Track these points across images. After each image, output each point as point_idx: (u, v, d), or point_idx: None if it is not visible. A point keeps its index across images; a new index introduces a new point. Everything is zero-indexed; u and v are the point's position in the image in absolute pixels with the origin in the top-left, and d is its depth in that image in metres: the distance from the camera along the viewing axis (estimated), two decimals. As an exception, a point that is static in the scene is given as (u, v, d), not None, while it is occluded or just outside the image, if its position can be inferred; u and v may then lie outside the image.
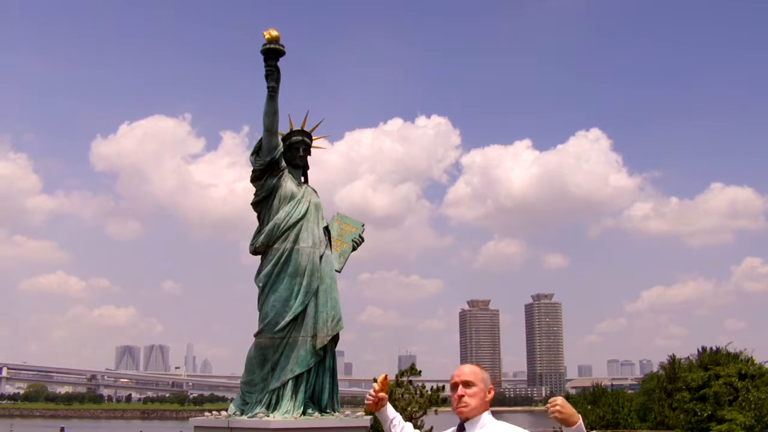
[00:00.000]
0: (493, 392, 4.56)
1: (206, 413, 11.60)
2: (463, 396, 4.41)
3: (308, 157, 11.51)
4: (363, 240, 11.96)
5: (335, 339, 10.80)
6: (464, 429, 4.43)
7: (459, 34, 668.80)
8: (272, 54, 10.63)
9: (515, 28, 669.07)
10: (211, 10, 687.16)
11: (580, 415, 4.34)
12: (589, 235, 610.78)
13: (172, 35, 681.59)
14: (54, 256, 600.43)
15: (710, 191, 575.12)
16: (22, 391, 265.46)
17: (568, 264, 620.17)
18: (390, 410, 5.17)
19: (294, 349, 10.39)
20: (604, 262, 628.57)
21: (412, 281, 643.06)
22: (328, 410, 10.42)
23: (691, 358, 61.26)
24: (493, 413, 4.52)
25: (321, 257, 10.78)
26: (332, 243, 11.37)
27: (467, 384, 4.44)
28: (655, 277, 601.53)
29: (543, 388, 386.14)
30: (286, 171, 11.06)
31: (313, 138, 11.46)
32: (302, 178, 11.41)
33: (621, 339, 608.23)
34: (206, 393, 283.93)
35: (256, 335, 10.67)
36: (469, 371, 4.52)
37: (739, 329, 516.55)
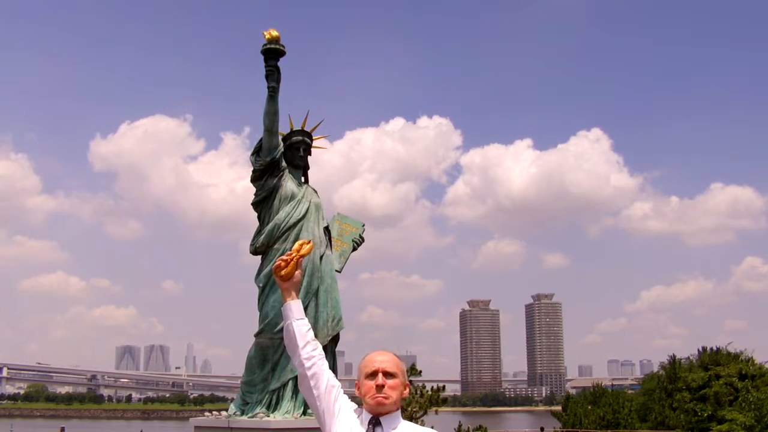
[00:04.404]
0: (408, 389, 4.01)
1: (206, 413, 11.60)
2: (383, 386, 3.82)
3: (308, 157, 11.50)
4: (363, 240, 11.94)
5: (336, 339, 10.79)
6: (380, 424, 3.83)
7: (460, 34, 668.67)
8: (272, 54, 10.61)
9: (515, 28, 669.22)
10: (212, 10, 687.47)
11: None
12: (589, 234, 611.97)
13: (172, 35, 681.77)
14: (54, 256, 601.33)
15: (710, 191, 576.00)
16: (22, 391, 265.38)
17: (568, 264, 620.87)
18: (299, 304, 4.20)
19: (294, 349, 10.37)
20: (604, 262, 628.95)
21: (412, 281, 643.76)
22: (328, 410, 10.40)
23: (691, 358, 61.38)
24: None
25: (321, 257, 10.76)
26: (332, 243, 11.36)
27: (389, 374, 3.85)
28: (655, 277, 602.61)
29: (543, 388, 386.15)
30: (287, 171, 11.03)
31: (314, 138, 11.44)
32: (302, 178, 11.39)
33: (621, 339, 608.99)
34: (206, 393, 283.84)
35: (256, 335, 10.66)
36: (390, 360, 3.92)
37: (739, 329, 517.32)
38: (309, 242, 4.30)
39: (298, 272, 4.20)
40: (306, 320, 4.16)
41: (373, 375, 3.88)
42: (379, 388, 3.83)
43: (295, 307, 4.14)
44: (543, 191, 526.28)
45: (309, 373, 4.02)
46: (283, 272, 4.14)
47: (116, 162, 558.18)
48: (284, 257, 4.19)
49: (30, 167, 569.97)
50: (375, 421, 3.83)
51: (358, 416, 3.93)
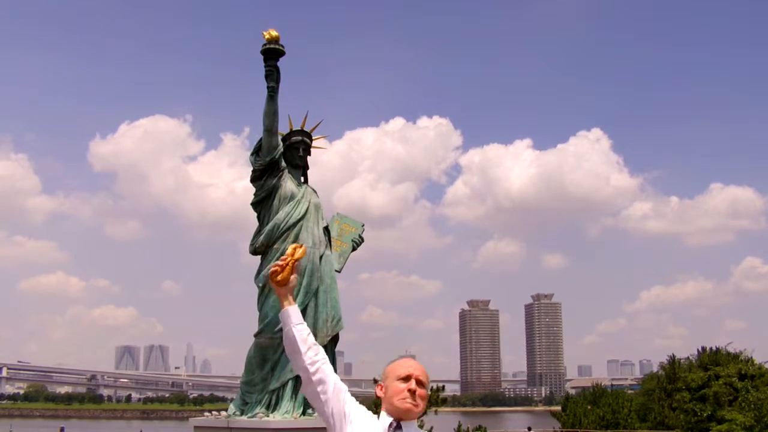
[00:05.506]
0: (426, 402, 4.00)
1: (206, 413, 11.62)
2: (415, 392, 3.83)
3: (308, 157, 11.51)
4: (363, 240, 11.96)
5: (335, 339, 10.80)
6: (400, 428, 3.83)
7: (460, 34, 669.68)
8: (272, 54, 10.63)
9: (515, 28, 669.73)
10: (212, 10, 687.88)
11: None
12: (588, 235, 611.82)
13: (172, 35, 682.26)
14: (54, 256, 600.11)
15: (710, 191, 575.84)
16: (22, 391, 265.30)
17: (568, 264, 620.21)
18: (297, 309, 4.13)
19: (294, 349, 10.37)
20: (603, 262, 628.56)
21: (412, 281, 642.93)
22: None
23: (690, 358, 61.26)
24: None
25: (321, 257, 10.78)
26: (332, 243, 11.37)
27: (420, 383, 3.88)
28: (654, 277, 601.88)
29: (543, 388, 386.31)
30: (286, 171, 11.05)
31: (313, 138, 11.46)
32: (302, 178, 11.41)
33: (621, 339, 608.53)
34: (206, 393, 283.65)
35: (255, 335, 10.67)
36: (422, 370, 3.93)
37: (739, 329, 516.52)
38: (302, 246, 4.23)
39: (293, 276, 4.12)
40: (305, 324, 4.11)
41: (406, 379, 3.86)
42: (413, 393, 3.82)
43: (293, 312, 4.05)
44: (542, 191, 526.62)
45: (314, 378, 3.96)
46: (279, 277, 4.06)
47: (116, 162, 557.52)
48: (279, 262, 4.10)
49: (30, 167, 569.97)
50: (396, 425, 3.82)
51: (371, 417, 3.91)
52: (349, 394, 4.00)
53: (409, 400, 3.81)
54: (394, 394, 3.84)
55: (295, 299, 4.21)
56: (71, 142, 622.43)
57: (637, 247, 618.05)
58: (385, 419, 3.85)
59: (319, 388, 3.96)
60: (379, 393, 3.98)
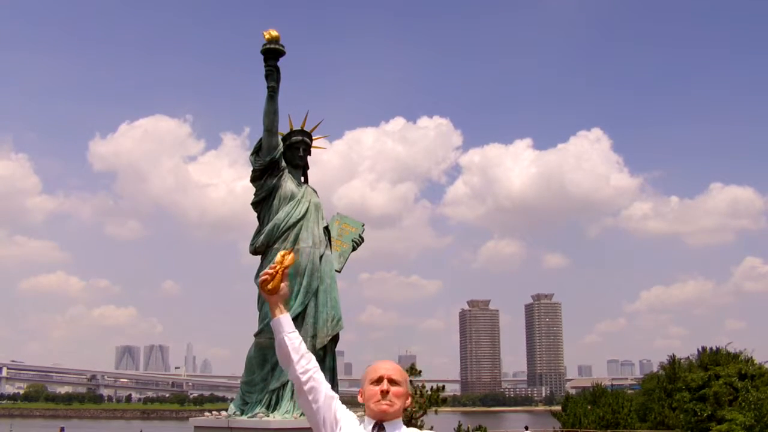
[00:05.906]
0: (410, 400, 4.04)
1: (206, 413, 11.62)
2: (388, 392, 3.86)
3: (308, 157, 11.51)
4: (363, 240, 11.96)
5: (335, 339, 10.80)
6: (384, 429, 3.88)
7: (460, 34, 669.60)
8: (272, 54, 10.64)
9: (516, 28, 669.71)
10: (212, 10, 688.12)
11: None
12: (588, 234, 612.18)
13: (172, 35, 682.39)
14: (54, 256, 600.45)
15: (710, 191, 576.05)
16: (22, 391, 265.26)
17: (568, 264, 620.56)
18: (288, 318, 4.09)
19: (294, 349, 10.37)
20: (603, 262, 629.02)
21: (412, 281, 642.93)
22: (328, 410, 10.40)
23: (691, 358, 61.29)
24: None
25: (321, 257, 10.77)
26: (332, 243, 11.37)
27: (393, 382, 3.89)
28: (654, 277, 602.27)
29: (543, 388, 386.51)
30: (286, 171, 11.06)
31: (313, 138, 11.46)
32: (302, 178, 11.41)
33: (621, 339, 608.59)
34: (206, 393, 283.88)
35: (256, 335, 10.66)
36: (394, 369, 3.97)
37: (739, 329, 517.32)
38: (291, 252, 4.19)
39: (284, 284, 4.11)
40: (297, 333, 4.11)
41: (378, 381, 3.91)
42: (384, 393, 3.86)
43: (285, 321, 4.05)
44: (543, 191, 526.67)
45: (306, 387, 4.00)
46: (270, 286, 4.03)
47: (116, 162, 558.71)
48: (269, 270, 4.07)
49: (30, 167, 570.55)
50: (379, 427, 3.88)
51: (360, 423, 3.96)
52: (340, 402, 4.05)
53: (383, 401, 3.85)
54: (369, 397, 3.91)
55: (289, 304, 4.21)
56: (71, 142, 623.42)
57: (637, 247, 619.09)
58: (369, 422, 3.91)
59: (310, 397, 3.99)
60: (360, 399, 4.04)
